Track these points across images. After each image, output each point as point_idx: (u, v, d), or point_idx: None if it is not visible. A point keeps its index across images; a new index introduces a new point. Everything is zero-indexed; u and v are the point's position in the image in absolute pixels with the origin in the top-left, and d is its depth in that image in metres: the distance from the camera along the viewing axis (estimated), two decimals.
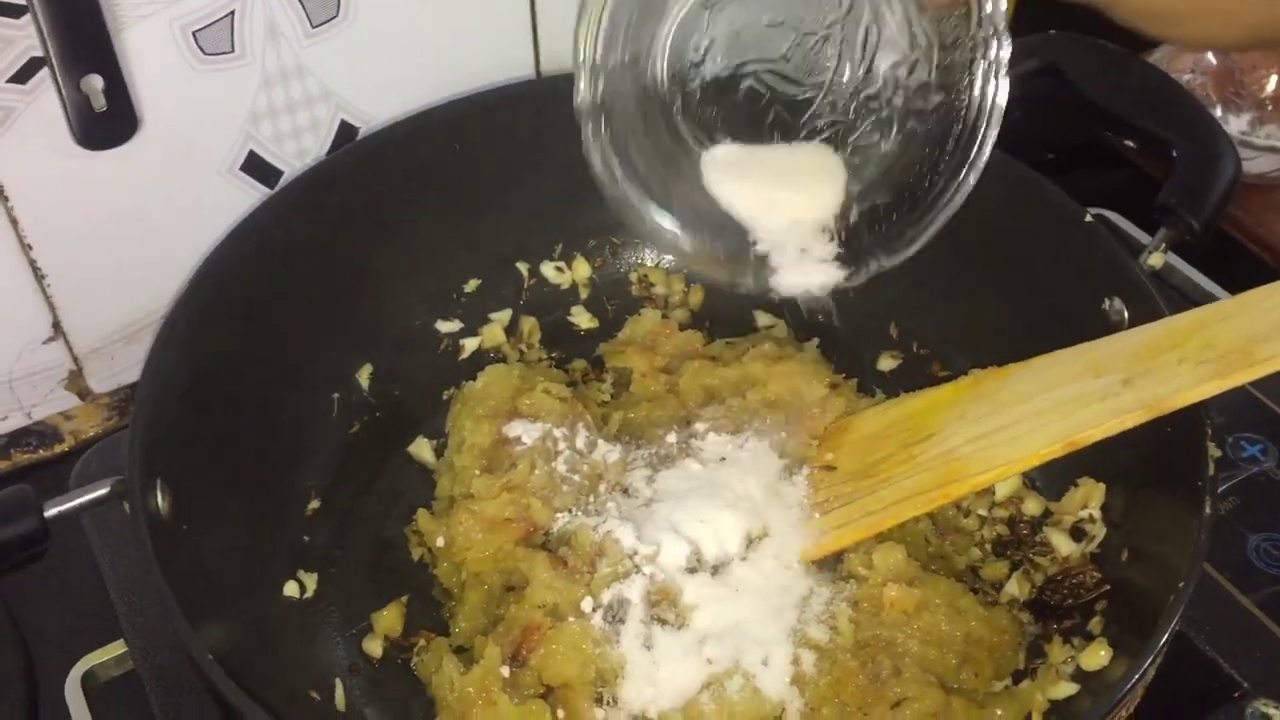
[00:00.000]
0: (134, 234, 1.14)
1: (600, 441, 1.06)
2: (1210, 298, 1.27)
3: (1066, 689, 0.90)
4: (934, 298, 1.16)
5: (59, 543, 0.88)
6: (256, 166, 1.17)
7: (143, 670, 0.99)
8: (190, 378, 0.97)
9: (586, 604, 0.94)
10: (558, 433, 1.04)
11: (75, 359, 1.19)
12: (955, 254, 1.13)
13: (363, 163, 1.12)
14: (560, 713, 0.90)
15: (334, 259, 1.11)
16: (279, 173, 1.19)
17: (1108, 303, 0.99)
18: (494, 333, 1.20)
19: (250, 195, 1.17)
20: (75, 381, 1.21)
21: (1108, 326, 0.98)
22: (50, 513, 0.85)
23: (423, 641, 0.99)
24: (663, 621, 0.93)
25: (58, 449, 1.20)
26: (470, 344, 1.20)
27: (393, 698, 0.97)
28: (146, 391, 0.93)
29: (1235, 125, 1.42)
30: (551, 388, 1.07)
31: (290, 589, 1.02)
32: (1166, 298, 1.24)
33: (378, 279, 1.15)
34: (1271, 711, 0.96)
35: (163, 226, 1.14)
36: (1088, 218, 1.02)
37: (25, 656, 0.74)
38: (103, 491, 0.88)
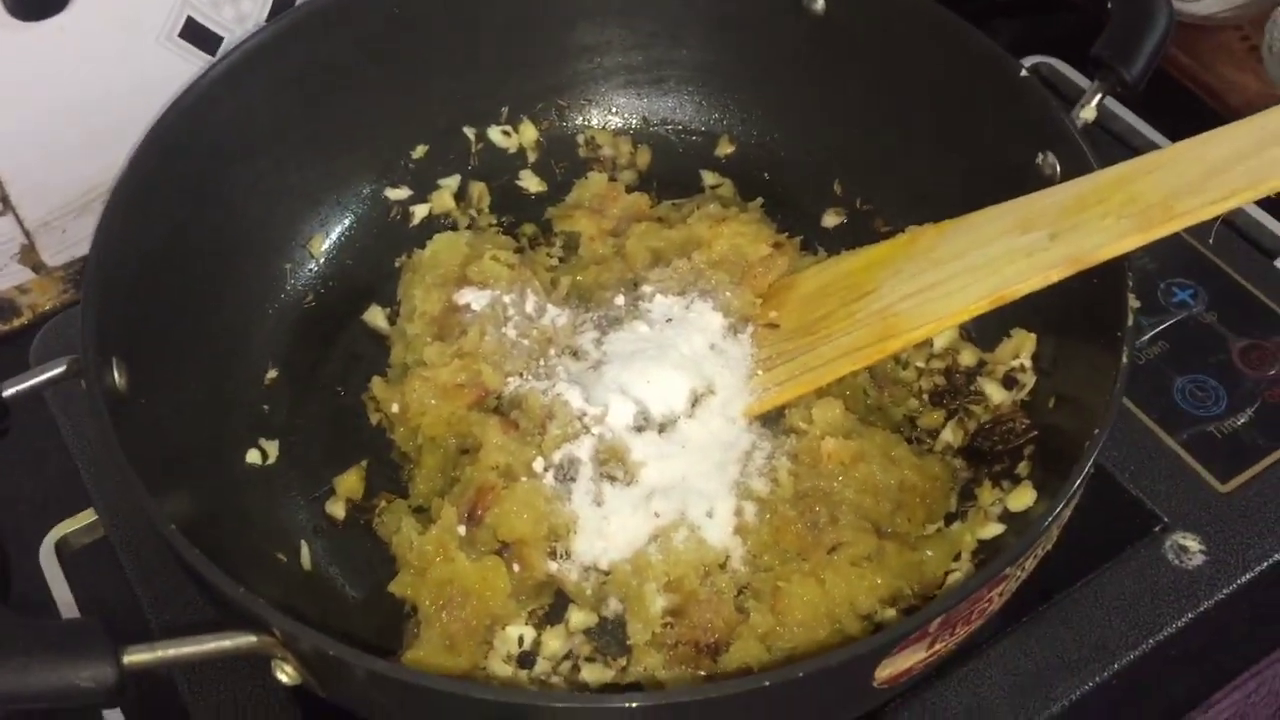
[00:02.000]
0: (76, 106, 1.13)
1: (549, 306, 1.07)
2: (1151, 145, 1.27)
3: (994, 529, 0.94)
4: (877, 154, 1.17)
5: (25, 415, 0.89)
6: (196, 33, 1.16)
7: (114, 537, 1.02)
8: (140, 251, 0.97)
9: (538, 464, 0.97)
10: (507, 299, 1.06)
11: (26, 232, 1.19)
12: (897, 109, 1.14)
13: (304, 26, 1.10)
14: (516, 567, 0.94)
15: (279, 127, 1.10)
16: (219, 39, 1.17)
17: (1041, 157, 1.00)
18: (443, 199, 1.20)
19: (192, 64, 1.16)
20: (28, 255, 1.21)
21: (1041, 181, 0.99)
22: (8, 393, 0.86)
23: (383, 503, 1.02)
24: (612, 479, 0.97)
25: (16, 323, 1.22)
26: (420, 211, 1.20)
27: (356, 557, 1.00)
28: (96, 267, 0.92)
29: None
30: (500, 254, 1.08)
31: (252, 456, 1.04)
32: (1106, 146, 1.25)
33: (325, 147, 1.15)
34: (1189, 543, 1.01)
35: (106, 97, 1.13)
36: (1023, 72, 1.02)
37: None
38: (59, 370, 0.88)
